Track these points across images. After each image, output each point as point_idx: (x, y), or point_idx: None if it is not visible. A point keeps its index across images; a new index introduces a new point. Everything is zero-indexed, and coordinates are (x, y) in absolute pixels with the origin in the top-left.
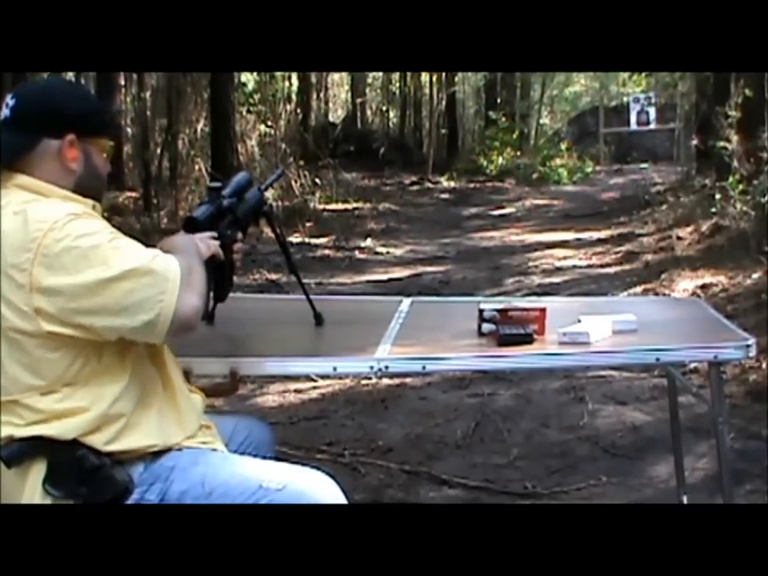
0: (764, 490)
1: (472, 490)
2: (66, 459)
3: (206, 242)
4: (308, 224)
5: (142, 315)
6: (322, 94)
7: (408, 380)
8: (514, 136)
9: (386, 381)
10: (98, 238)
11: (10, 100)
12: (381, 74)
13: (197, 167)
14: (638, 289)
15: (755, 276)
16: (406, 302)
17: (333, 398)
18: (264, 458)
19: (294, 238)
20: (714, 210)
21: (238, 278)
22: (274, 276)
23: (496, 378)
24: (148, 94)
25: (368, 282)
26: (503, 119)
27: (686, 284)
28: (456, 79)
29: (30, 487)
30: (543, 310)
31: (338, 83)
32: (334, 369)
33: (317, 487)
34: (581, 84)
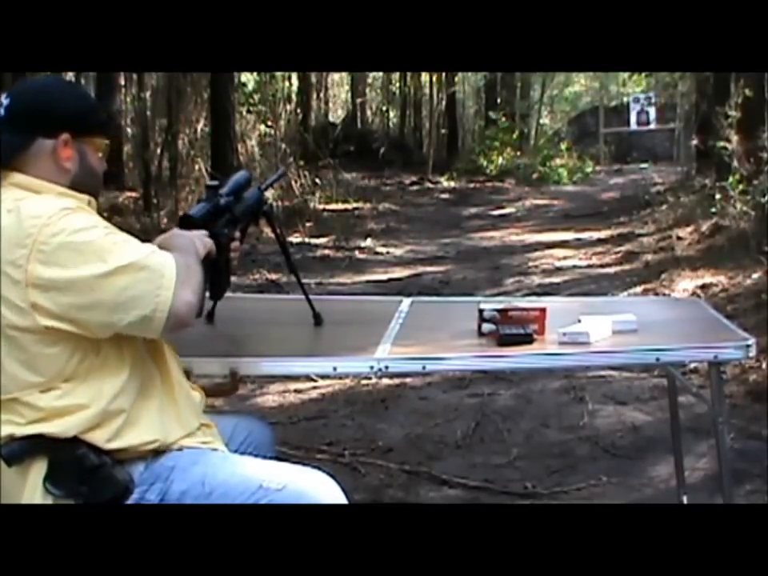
0: (764, 490)
1: (472, 490)
2: (67, 458)
3: (202, 240)
4: (308, 224)
5: (138, 311)
6: (321, 94)
7: (408, 380)
8: (514, 136)
9: (385, 381)
10: (93, 233)
11: (4, 99)
12: (381, 73)
13: (197, 167)
14: (638, 289)
15: (755, 276)
16: (406, 301)
17: (333, 397)
18: (264, 457)
19: (294, 238)
20: (713, 210)
21: (237, 278)
22: (273, 276)
23: (496, 378)
24: (148, 94)
25: (368, 282)
26: (503, 119)
27: (685, 284)
28: (456, 79)
29: (31, 486)
30: (543, 310)
31: (338, 83)
32: (334, 369)
33: (317, 487)
34: (581, 84)
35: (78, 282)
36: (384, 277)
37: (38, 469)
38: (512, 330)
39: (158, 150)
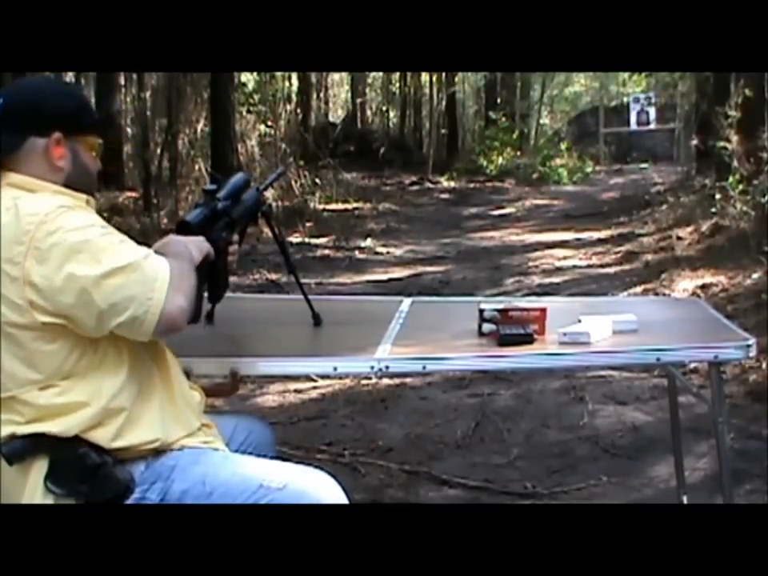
0: (764, 490)
1: (472, 489)
2: (68, 457)
3: (199, 246)
4: (308, 224)
5: (130, 312)
6: (321, 94)
7: (408, 380)
8: (514, 136)
9: (386, 381)
10: (89, 232)
11: None
12: (381, 74)
13: (197, 167)
14: (638, 289)
15: (755, 276)
16: (406, 302)
17: (333, 397)
18: (265, 458)
19: (294, 238)
20: (714, 209)
21: (237, 278)
22: (273, 276)
23: (496, 377)
24: (148, 94)
25: (368, 282)
26: (503, 119)
27: (685, 284)
28: (456, 79)
29: (32, 485)
30: (543, 310)
31: (338, 83)
32: (334, 369)
33: (318, 487)
34: (581, 84)
35: (72, 280)
36: (384, 277)
37: (39, 467)
38: (512, 330)
39: (158, 150)
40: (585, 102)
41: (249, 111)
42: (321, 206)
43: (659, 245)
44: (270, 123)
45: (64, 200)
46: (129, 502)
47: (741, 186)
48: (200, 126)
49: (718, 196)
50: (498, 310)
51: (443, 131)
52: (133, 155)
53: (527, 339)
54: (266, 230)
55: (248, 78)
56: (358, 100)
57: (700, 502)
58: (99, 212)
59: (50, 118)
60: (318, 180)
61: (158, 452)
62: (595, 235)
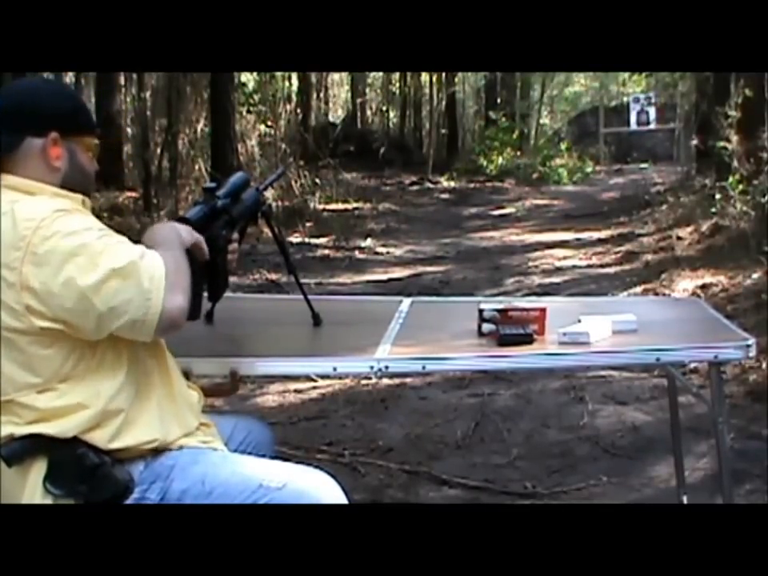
0: (764, 490)
1: (472, 490)
2: (67, 457)
3: (188, 229)
4: (308, 224)
5: (129, 315)
6: (321, 94)
7: (408, 380)
8: (514, 136)
9: (385, 381)
10: (85, 236)
11: None
12: (381, 74)
13: (197, 167)
14: (638, 289)
15: (755, 276)
16: (406, 302)
17: (333, 397)
18: (264, 457)
19: (294, 238)
20: (714, 210)
21: (237, 278)
22: (273, 276)
23: (496, 377)
24: (148, 94)
25: (368, 282)
26: (503, 119)
27: (685, 284)
28: (456, 79)
29: (31, 486)
30: (543, 310)
31: (338, 83)
32: (334, 369)
33: (317, 486)
34: (581, 84)
35: (70, 285)
36: (384, 277)
37: (38, 469)
38: (512, 330)
39: (158, 150)
40: (585, 102)
41: (249, 111)
42: (321, 206)
43: (659, 245)
44: (269, 123)
45: (61, 203)
46: (128, 501)
47: (741, 186)
48: (200, 126)
49: (718, 196)
50: (498, 310)
51: (443, 131)
52: (133, 155)
53: (527, 339)
54: (266, 230)
55: (248, 78)
56: (358, 100)
57: (700, 501)
58: (99, 212)
59: (46, 118)
60: (317, 180)
61: (157, 452)
62: (595, 235)
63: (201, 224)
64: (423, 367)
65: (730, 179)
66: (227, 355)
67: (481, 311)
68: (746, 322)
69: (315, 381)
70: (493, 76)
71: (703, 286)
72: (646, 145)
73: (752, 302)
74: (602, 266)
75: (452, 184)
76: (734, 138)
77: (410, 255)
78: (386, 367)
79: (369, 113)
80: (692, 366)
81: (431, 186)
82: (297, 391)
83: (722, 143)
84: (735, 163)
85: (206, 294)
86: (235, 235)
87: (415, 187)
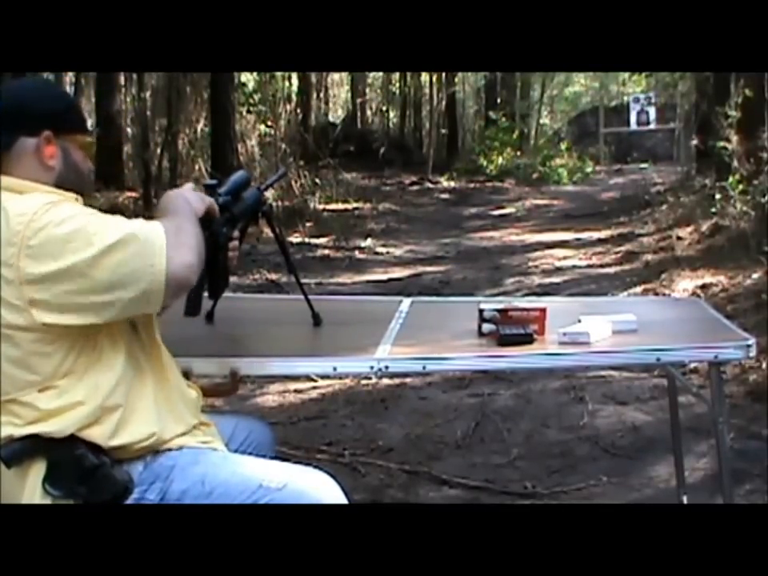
0: (764, 490)
1: (472, 490)
2: (66, 458)
3: (200, 197)
4: (308, 224)
5: (135, 285)
6: (321, 94)
7: (408, 380)
8: (514, 136)
9: (385, 381)
10: (78, 220)
11: None
12: (381, 73)
13: (197, 167)
14: (638, 289)
15: (755, 276)
16: (406, 302)
17: (333, 397)
18: (264, 458)
19: (294, 238)
20: (714, 209)
21: (237, 278)
22: (273, 276)
23: (496, 377)
24: (148, 94)
25: (368, 282)
26: (503, 119)
27: (685, 284)
28: (456, 79)
29: (30, 487)
30: (543, 310)
31: (338, 83)
32: (334, 369)
33: (317, 487)
34: (581, 84)
35: (70, 269)
36: (384, 277)
37: (37, 470)
38: (512, 330)
39: (158, 150)
40: (585, 102)
41: (249, 111)
42: (321, 206)
43: (659, 245)
44: (269, 123)
45: (51, 197)
46: (128, 502)
47: (741, 186)
48: (200, 126)
49: (718, 196)
50: (498, 310)
51: (443, 131)
52: (133, 155)
53: (527, 339)
54: (267, 230)
55: (248, 78)
56: (358, 100)
57: (700, 501)
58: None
59: (39, 118)
60: (317, 180)
61: (157, 452)
62: (595, 235)
63: (201, 221)
64: (423, 367)
65: (730, 179)
66: (227, 355)
67: (481, 311)
68: (746, 322)
69: (315, 381)
70: (493, 76)
71: (703, 286)
72: (645, 145)
73: (752, 302)
74: (601, 265)
75: (452, 184)
76: (734, 138)
77: (409, 255)
78: (386, 367)
79: (369, 113)
80: (692, 365)
81: (431, 185)
82: (297, 391)
83: (721, 143)
84: (735, 163)
85: (205, 292)
86: (236, 233)
87: (415, 187)
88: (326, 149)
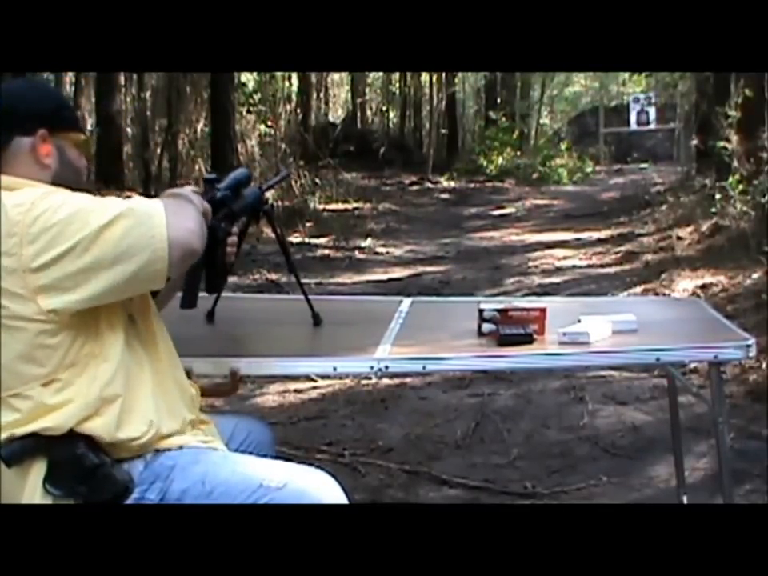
0: (764, 490)
1: (472, 490)
2: (66, 458)
3: (198, 198)
4: (308, 224)
5: (138, 256)
6: (321, 94)
7: (408, 380)
8: (514, 136)
9: (385, 381)
10: (75, 203)
11: None
12: (381, 73)
13: (197, 167)
14: (638, 289)
15: (755, 276)
16: (406, 302)
17: (333, 397)
18: (264, 457)
19: (294, 238)
20: (714, 210)
21: (237, 278)
22: (273, 276)
23: (496, 377)
24: (148, 94)
25: (368, 282)
26: (503, 119)
27: (685, 284)
28: (456, 79)
29: (31, 486)
30: (543, 310)
31: (338, 83)
32: (334, 369)
33: (318, 486)
34: (581, 84)
35: (72, 249)
36: (384, 277)
37: (38, 469)
38: (512, 330)
39: (158, 150)
40: (585, 102)
41: (249, 111)
42: (321, 206)
43: (659, 245)
44: (270, 123)
45: (46, 187)
46: (128, 502)
47: (741, 186)
48: (200, 126)
49: (718, 196)
50: (498, 310)
51: (443, 131)
52: (133, 155)
53: (527, 339)
54: (267, 230)
55: (248, 78)
56: (358, 100)
57: (700, 501)
58: None
59: (33, 117)
60: (317, 180)
61: (157, 451)
62: (595, 235)
63: None
64: (423, 367)
65: (730, 179)
66: (227, 355)
67: (481, 311)
68: (746, 322)
69: (315, 381)
70: (493, 76)
71: (703, 286)
72: (645, 145)
73: (752, 302)
74: (602, 265)
75: (452, 184)
76: (734, 138)
77: (410, 255)
78: (386, 367)
79: (369, 113)
80: (692, 365)
81: (431, 185)
82: (297, 391)
83: (722, 143)
84: (735, 163)
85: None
86: (235, 229)
87: (415, 187)
88: (325, 149)
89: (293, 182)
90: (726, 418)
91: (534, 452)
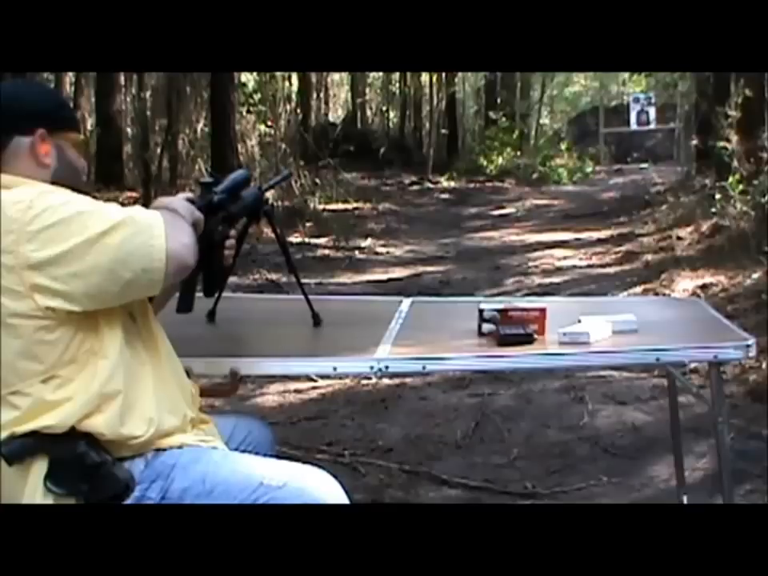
0: (764, 490)
1: (472, 489)
2: (67, 456)
3: (190, 209)
4: (308, 224)
5: (135, 264)
6: (321, 94)
7: (408, 380)
8: (514, 136)
9: (386, 381)
10: (76, 205)
11: None
12: (381, 74)
13: (197, 167)
14: (638, 289)
15: (755, 276)
16: (406, 302)
17: (333, 397)
18: (264, 457)
19: (294, 238)
20: (714, 210)
21: (237, 278)
22: (273, 276)
23: (496, 378)
24: (148, 94)
25: (368, 282)
26: (503, 119)
27: (685, 284)
28: (456, 79)
29: (32, 485)
30: (543, 310)
31: (338, 83)
32: (334, 369)
33: (318, 485)
34: (581, 84)
35: (70, 251)
36: (384, 277)
37: (39, 468)
38: (512, 330)
39: (158, 150)
40: (585, 102)
41: (249, 111)
42: (321, 206)
43: (659, 245)
44: (269, 123)
45: (46, 186)
46: (129, 501)
47: (741, 186)
48: (200, 126)
49: (718, 196)
50: (498, 310)
51: (443, 131)
52: (133, 155)
53: (527, 339)
54: (267, 230)
55: (248, 78)
56: (358, 100)
57: (700, 501)
58: None
59: (32, 116)
60: (317, 180)
61: (158, 450)
62: (595, 235)
63: None
64: (423, 367)
65: (730, 179)
66: (227, 355)
67: (481, 311)
68: (746, 322)
69: (315, 381)
70: (493, 76)
71: (703, 286)
72: (645, 145)
73: (752, 302)
74: (601, 266)
75: (452, 184)
76: (734, 138)
77: (410, 255)
78: (386, 367)
79: (369, 113)
80: (692, 365)
81: (431, 185)
82: (297, 391)
83: (722, 143)
84: (735, 163)
85: (200, 288)
86: (233, 232)
87: (415, 187)
88: (325, 149)
89: (293, 182)
90: (726, 418)
91: (534, 452)
